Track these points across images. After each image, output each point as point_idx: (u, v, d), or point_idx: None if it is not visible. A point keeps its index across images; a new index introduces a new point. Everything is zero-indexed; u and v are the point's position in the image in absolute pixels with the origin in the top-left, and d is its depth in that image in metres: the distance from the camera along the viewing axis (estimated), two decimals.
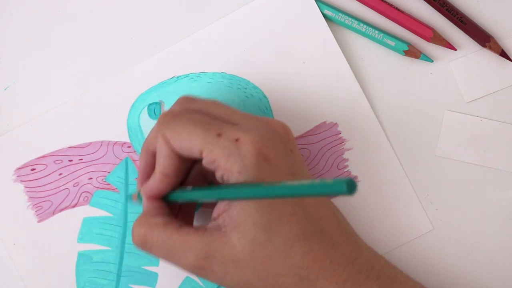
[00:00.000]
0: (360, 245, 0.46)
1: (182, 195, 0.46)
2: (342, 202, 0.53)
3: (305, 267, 0.43)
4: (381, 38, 0.53)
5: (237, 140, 0.43)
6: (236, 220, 0.43)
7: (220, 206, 0.44)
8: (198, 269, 0.44)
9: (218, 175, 0.43)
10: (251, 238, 0.42)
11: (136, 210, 0.53)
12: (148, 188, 0.46)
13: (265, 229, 0.42)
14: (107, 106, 0.54)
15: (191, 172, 0.48)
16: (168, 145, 0.44)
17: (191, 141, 0.43)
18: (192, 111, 0.46)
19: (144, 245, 0.45)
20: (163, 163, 0.45)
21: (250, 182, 0.42)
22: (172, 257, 0.44)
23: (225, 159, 0.43)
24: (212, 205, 0.46)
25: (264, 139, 0.43)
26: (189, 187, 0.46)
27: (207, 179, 0.48)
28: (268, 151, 0.43)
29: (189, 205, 0.50)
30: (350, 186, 0.33)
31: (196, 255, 0.43)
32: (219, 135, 0.43)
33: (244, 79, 0.54)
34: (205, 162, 0.44)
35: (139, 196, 0.48)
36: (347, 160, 0.54)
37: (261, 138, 0.43)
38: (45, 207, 0.53)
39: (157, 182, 0.45)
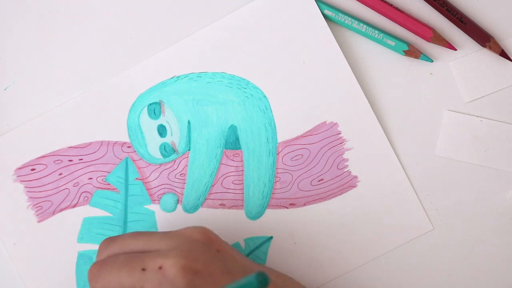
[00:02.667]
0: None
1: None
2: (342, 202, 0.53)
3: None
4: (381, 38, 0.53)
5: (160, 268, 0.44)
6: None
7: None
8: None
9: None
10: None
11: (136, 210, 0.53)
12: None
13: None
14: (107, 106, 0.54)
15: None
16: None
17: (122, 285, 0.44)
18: (114, 254, 0.47)
19: None
20: None
21: None
22: None
23: None
24: None
25: (186, 255, 0.44)
26: None
27: None
28: (194, 264, 0.44)
29: None
30: (261, 280, 0.34)
31: None
32: (143, 269, 0.44)
33: (244, 79, 0.54)
34: None
35: None
36: (347, 160, 0.54)
37: (183, 255, 0.44)
38: (45, 207, 0.53)
39: None
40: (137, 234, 0.48)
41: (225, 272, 0.44)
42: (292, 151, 0.54)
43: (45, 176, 0.53)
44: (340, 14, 0.53)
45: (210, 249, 0.46)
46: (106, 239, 0.48)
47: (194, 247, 0.45)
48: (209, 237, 0.47)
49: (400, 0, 0.54)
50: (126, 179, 0.54)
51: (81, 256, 0.53)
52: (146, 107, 0.54)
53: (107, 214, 0.53)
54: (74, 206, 0.53)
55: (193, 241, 0.46)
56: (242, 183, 0.54)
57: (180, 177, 0.54)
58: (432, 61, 0.53)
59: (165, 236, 0.47)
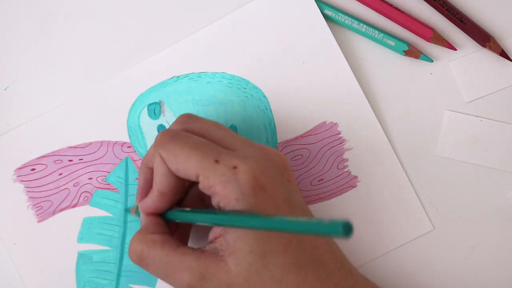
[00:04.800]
0: (354, 274, 0.46)
1: (180, 216, 0.46)
2: (342, 202, 0.53)
3: None
4: (381, 38, 0.53)
5: (235, 168, 0.43)
6: (233, 246, 0.43)
7: (217, 230, 0.44)
8: None
9: (214, 201, 0.44)
10: (247, 265, 0.43)
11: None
12: (146, 205, 0.46)
13: (262, 257, 0.43)
14: (107, 106, 0.54)
15: (189, 192, 0.48)
16: (164, 165, 0.45)
17: (188, 165, 0.44)
18: (191, 132, 0.46)
19: (140, 261, 0.45)
20: (160, 182, 0.45)
21: (248, 210, 0.42)
22: (167, 276, 0.45)
23: (222, 186, 0.43)
24: (207, 227, 0.46)
25: (261, 168, 0.44)
26: (188, 209, 0.46)
27: (204, 202, 0.49)
28: (265, 180, 0.43)
29: (186, 224, 0.50)
30: (346, 229, 0.33)
31: (191, 275, 0.44)
32: (216, 161, 0.43)
33: (244, 79, 0.54)
34: (201, 187, 0.44)
35: (137, 211, 0.48)
36: (347, 160, 0.54)
37: (259, 167, 0.44)
38: (45, 207, 0.53)
39: (154, 200, 0.46)
40: (220, 125, 0.47)
41: (288, 201, 0.44)
42: (292, 151, 0.54)
43: (45, 176, 0.53)
44: (340, 14, 0.53)
45: (282, 176, 0.45)
46: (188, 114, 0.48)
47: (270, 165, 0.45)
48: (285, 165, 0.47)
49: (400, 0, 0.54)
50: (126, 179, 0.54)
51: (81, 256, 0.53)
52: (146, 107, 0.54)
53: (107, 214, 0.53)
54: (74, 206, 0.53)
55: (271, 160, 0.45)
56: None
57: None
58: (432, 61, 0.53)
59: (247, 142, 0.46)
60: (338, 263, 0.45)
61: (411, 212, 0.53)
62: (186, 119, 0.47)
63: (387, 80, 0.54)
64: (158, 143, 0.45)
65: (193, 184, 0.48)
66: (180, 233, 0.49)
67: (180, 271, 0.44)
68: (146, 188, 0.47)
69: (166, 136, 0.45)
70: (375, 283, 0.48)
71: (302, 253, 0.44)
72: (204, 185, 0.44)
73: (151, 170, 0.47)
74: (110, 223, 0.53)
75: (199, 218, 0.44)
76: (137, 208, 0.48)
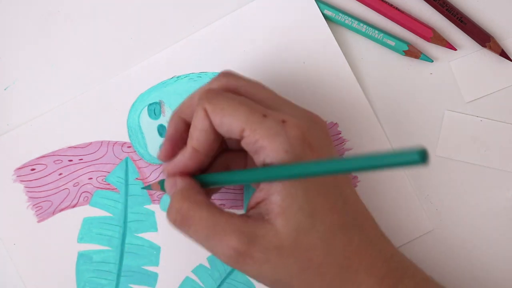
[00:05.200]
0: (391, 245, 0.46)
1: (221, 178, 0.44)
2: None
3: (347, 258, 0.42)
4: (381, 38, 0.53)
5: (283, 122, 0.42)
6: (281, 205, 0.41)
7: (259, 195, 0.42)
8: (237, 255, 0.42)
9: (259, 158, 0.42)
10: (297, 224, 0.41)
11: (136, 210, 0.53)
12: (174, 163, 0.44)
13: (311, 215, 0.41)
14: (107, 106, 0.54)
15: (215, 162, 0.47)
16: (207, 119, 0.43)
17: (234, 118, 0.42)
18: (232, 91, 0.44)
19: (184, 221, 0.42)
20: (198, 138, 0.43)
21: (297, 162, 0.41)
22: (211, 239, 0.42)
23: (271, 139, 0.41)
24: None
25: (308, 126, 0.43)
26: (227, 171, 0.44)
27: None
28: (312, 139, 0.42)
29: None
30: (423, 156, 0.31)
31: (239, 238, 0.41)
32: (264, 115, 0.42)
33: None
34: (245, 142, 0.42)
35: (161, 186, 0.45)
36: None
37: (306, 125, 0.42)
38: (45, 207, 0.53)
39: (186, 157, 0.44)
40: (263, 86, 0.45)
41: None
42: None
43: (45, 176, 0.53)
44: (340, 14, 0.53)
45: (327, 138, 0.44)
46: (229, 70, 0.45)
47: (316, 127, 0.44)
48: (328, 130, 0.46)
49: (400, 0, 0.54)
50: (126, 179, 0.54)
51: (81, 256, 0.53)
52: (146, 107, 0.54)
53: (107, 214, 0.53)
54: (74, 206, 0.53)
55: (316, 122, 0.44)
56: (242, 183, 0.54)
57: None
58: (432, 61, 0.53)
59: (291, 103, 0.45)
60: (379, 231, 0.45)
61: (411, 212, 0.53)
62: (228, 74, 0.45)
63: (387, 80, 0.54)
64: (203, 97, 0.43)
65: (221, 153, 0.47)
66: None
67: (226, 233, 0.41)
68: (175, 139, 0.45)
69: (213, 92, 0.43)
70: (411, 259, 0.47)
71: (347, 216, 0.43)
72: (249, 140, 0.42)
73: (185, 122, 0.45)
74: (110, 223, 0.53)
75: (246, 177, 0.42)
76: (159, 182, 0.46)
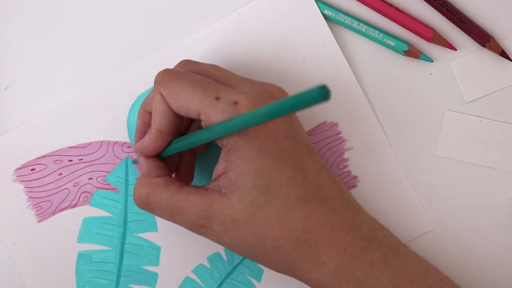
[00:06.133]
0: (362, 214, 0.46)
1: (176, 145, 0.46)
2: None
3: (305, 231, 0.43)
4: (381, 38, 0.53)
5: (235, 103, 0.43)
6: (235, 183, 0.43)
7: (219, 168, 0.44)
8: (199, 227, 0.45)
9: (218, 140, 0.44)
10: (251, 200, 0.43)
11: (136, 210, 0.53)
12: (143, 145, 0.47)
13: (264, 192, 0.43)
14: (107, 106, 0.54)
15: (190, 130, 0.49)
16: (164, 103, 0.45)
17: (189, 102, 0.44)
18: (191, 71, 0.46)
19: (146, 205, 0.46)
20: (159, 121, 0.45)
21: (250, 144, 0.43)
22: (174, 216, 0.45)
23: None
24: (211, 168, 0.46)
25: (261, 102, 0.44)
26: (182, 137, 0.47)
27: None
28: None
29: (188, 164, 0.51)
30: (323, 92, 0.33)
31: (197, 213, 0.44)
32: (217, 98, 0.43)
33: None
34: (203, 125, 0.44)
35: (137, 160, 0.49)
36: (347, 160, 0.54)
37: (259, 101, 0.43)
38: (45, 207, 0.53)
39: (152, 139, 0.46)
40: (219, 67, 0.48)
41: (289, 137, 0.44)
42: None
43: (45, 176, 0.53)
44: (340, 14, 0.53)
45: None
46: (188, 59, 0.48)
47: (270, 100, 0.44)
48: (280, 95, 0.47)
49: (400, 0, 0.54)
50: (126, 179, 0.54)
51: (81, 256, 0.53)
52: None
53: (107, 214, 0.53)
54: (74, 206, 0.53)
55: (271, 95, 0.45)
56: None
57: None
58: (432, 61, 0.53)
59: (245, 79, 0.47)
60: (345, 202, 0.45)
61: (411, 212, 0.54)
62: (187, 62, 0.48)
63: (387, 80, 0.54)
64: (158, 80, 0.46)
65: (190, 124, 0.49)
66: (182, 175, 0.50)
67: (186, 210, 0.44)
68: (144, 131, 0.48)
69: (167, 74, 0.46)
70: (385, 227, 0.47)
71: (307, 189, 0.44)
72: (206, 123, 0.44)
73: (149, 114, 0.47)
74: (110, 223, 0.53)
75: (196, 137, 0.44)
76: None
